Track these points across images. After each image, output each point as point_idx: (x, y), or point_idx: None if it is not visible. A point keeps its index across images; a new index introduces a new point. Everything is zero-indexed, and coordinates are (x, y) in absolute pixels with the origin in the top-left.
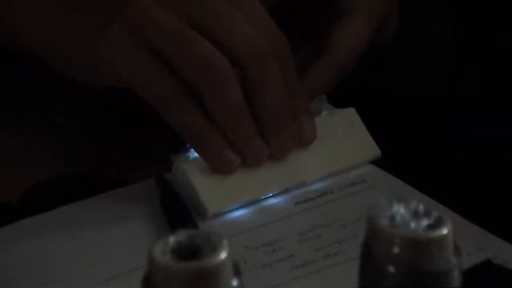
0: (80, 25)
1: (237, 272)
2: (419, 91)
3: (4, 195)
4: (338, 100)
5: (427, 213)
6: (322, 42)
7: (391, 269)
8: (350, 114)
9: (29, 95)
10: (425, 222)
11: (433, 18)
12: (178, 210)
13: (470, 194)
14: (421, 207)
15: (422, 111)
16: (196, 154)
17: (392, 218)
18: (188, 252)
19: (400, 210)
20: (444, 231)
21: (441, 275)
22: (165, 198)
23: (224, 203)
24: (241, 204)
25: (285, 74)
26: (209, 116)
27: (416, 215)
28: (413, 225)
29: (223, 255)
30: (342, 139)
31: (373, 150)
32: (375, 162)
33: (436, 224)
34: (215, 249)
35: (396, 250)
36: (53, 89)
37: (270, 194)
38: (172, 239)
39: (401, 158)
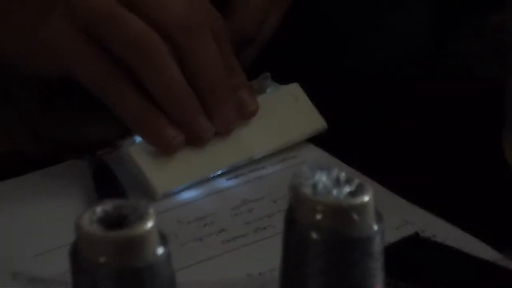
0: (17, 13)
1: (164, 241)
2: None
3: None
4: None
5: (348, 181)
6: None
7: (314, 236)
8: (295, 89)
9: None
10: (346, 189)
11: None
12: (110, 186)
13: (400, 169)
14: (342, 175)
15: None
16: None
17: (314, 186)
18: (115, 221)
19: (322, 178)
20: (365, 198)
21: (363, 241)
22: (97, 173)
23: (173, 183)
24: (190, 183)
25: (221, 49)
26: (150, 98)
27: (338, 183)
28: (335, 192)
29: (149, 224)
30: (288, 114)
31: (319, 122)
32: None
33: (358, 191)
34: (142, 218)
35: (318, 217)
36: None
37: (219, 172)
38: (99, 209)
39: (340, 138)
